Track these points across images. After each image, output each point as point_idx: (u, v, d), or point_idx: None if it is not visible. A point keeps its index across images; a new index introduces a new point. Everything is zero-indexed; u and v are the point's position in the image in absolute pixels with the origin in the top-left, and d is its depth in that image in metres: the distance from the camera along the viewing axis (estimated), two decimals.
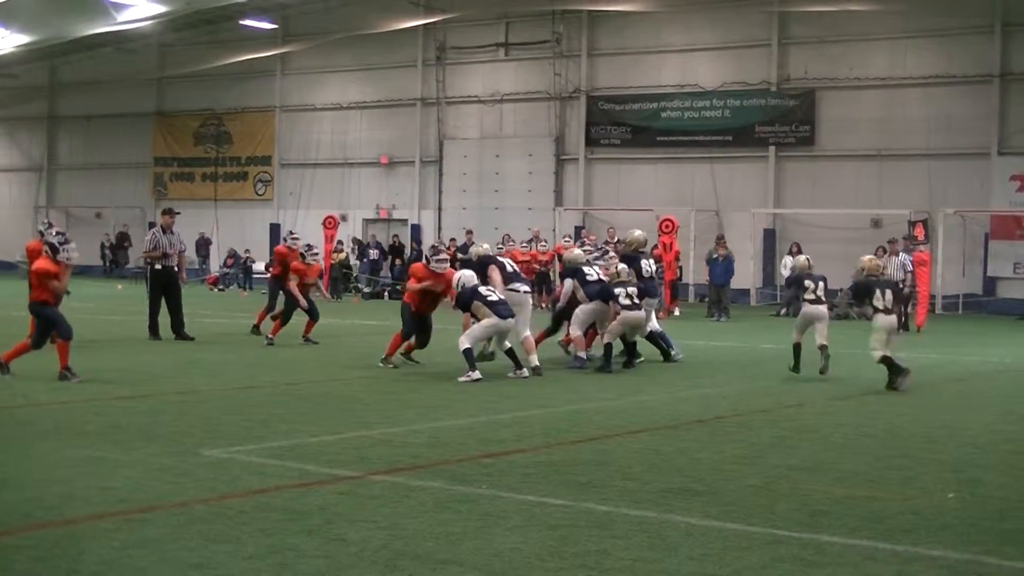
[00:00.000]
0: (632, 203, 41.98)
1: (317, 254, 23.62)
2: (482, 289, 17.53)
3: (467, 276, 17.90)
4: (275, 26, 49.27)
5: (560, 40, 44.73)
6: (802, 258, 19.56)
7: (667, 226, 35.22)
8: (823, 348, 17.59)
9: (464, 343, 16.90)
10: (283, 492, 8.89)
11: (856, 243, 36.84)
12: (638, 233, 20.48)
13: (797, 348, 17.95)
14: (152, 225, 29.70)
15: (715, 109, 42.20)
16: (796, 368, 17.83)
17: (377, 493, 8.92)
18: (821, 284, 18.07)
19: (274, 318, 22.10)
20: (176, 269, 22.67)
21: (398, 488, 9.10)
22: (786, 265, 36.48)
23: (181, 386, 15.38)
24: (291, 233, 25.12)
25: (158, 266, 22.42)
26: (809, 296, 17.98)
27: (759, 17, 41.11)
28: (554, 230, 42.26)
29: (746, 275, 37.71)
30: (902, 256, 29.63)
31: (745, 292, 38.24)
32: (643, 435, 12.11)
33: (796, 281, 18.61)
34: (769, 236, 40.75)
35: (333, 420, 12.58)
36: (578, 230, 41.37)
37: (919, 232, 34.59)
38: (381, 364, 18.19)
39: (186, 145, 54.62)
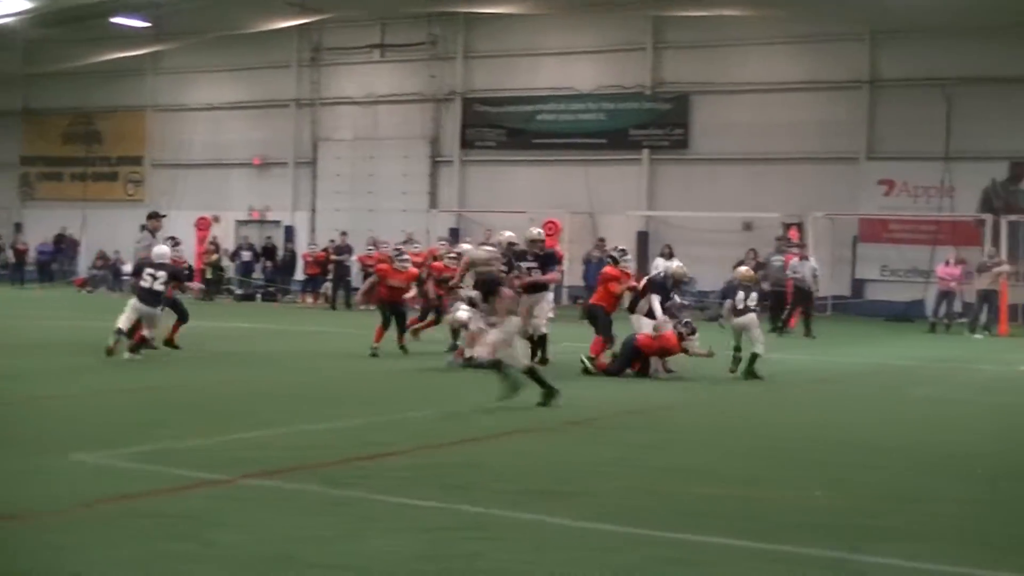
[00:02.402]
0: (507, 205, 42.03)
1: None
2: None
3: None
4: (147, 24, 48.45)
5: (436, 42, 44.70)
6: (742, 269, 20.35)
7: (550, 229, 35.40)
8: (755, 357, 18.29)
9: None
10: (154, 497, 8.75)
11: (728, 246, 37.35)
12: (507, 234, 20.49)
13: (737, 351, 18.80)
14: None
15: (590, 112, 42.46)
16: (735, 369, 18.67)
17: (249, 497, 8.82)
18: (754, 295, 18.88)
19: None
20: None
21: (271, 492, 9.01)
22: (657, 267, 36.75)
23: (50, 390, 15.07)
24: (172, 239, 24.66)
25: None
26: (739, 306, 18.72)
27: (635, 21, 41.41)
28: (428, 232, 42.16)
29: None
30: (812, 261, 29.94)
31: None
32: (517, 437, 12.13)
33: (727, 292, 19.82)
34: (643, 238, 41.04)
35: (206, 423, 12.41)
36: (454, 232, 41.38)
37: (793, 235, 35.11)
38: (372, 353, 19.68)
39: (55, 144, 53.62)
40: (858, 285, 38.23)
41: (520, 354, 14.78)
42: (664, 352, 18.15)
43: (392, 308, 21.12)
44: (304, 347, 21.44)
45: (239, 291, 42.46)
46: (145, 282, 19.64)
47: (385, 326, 20.68)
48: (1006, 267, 31.47)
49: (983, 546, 7.93)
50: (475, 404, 14.68)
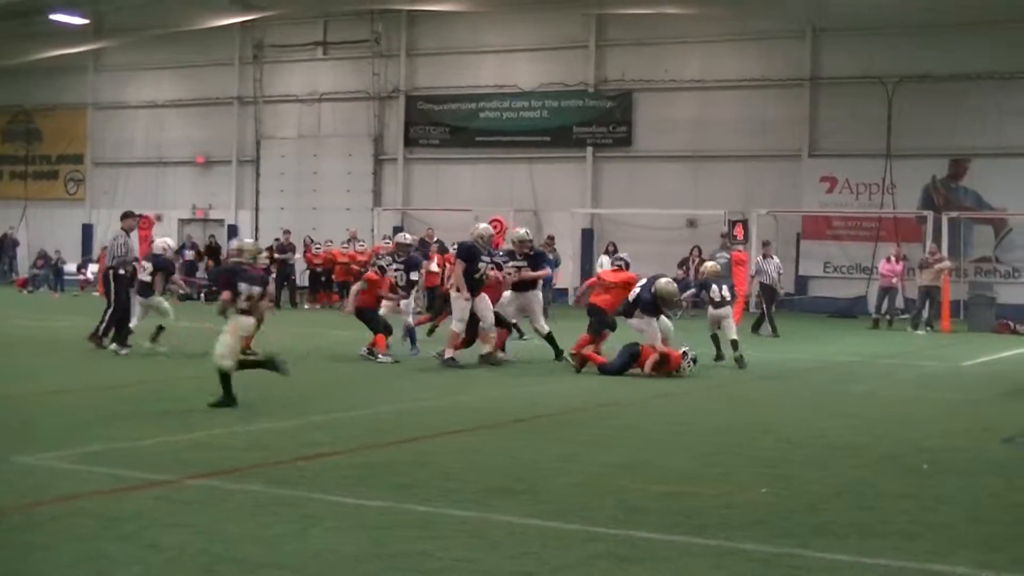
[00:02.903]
0: (451, 203, 42.03)
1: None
2: None
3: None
4: (87, 21, 48.06)
5: (379, 39, 44.57)
6: (709, 264, 21.44)
7: (495, 226, 35.40)
8: (735, 343, 19.93)
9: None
10: (97, 498, 8.67)
11: (672, 243, 37.54)
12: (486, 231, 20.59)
13: (715, 338, 20.52)
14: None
15: (533, 110, 42.48)
16: (719, 357, 20.28)
17: (194, 497, 8.76)
18: (725, 287, 20.54)
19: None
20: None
21: (215, 492, 8.95)
22: (602, 264, 36.83)
23: None
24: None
25: (122, 271, 21.15)
26: (716, 299, 20.28)
27: (577, 19, 41.49)
28: (373, 230, 42.10)
29: (565, 274, 37.98)
30: (776, 259, 29.94)
31: (563, 292, 38.47)
32: (463, 435, 12.12)
33: (703, 285, 20.88)
34: (587, 236, 41.15)
35: (148, 424, 12.31)
36: (397, 230, 41.29)
37: (738, 232, 35.24)
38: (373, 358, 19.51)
39: None
40: (801, 281, 38.44)
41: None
42: (660, 366, 18.12)
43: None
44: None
45: (182, 291, 42.05)
46: (140, 274, 20.49)
47: (388, 332, 20.24)
48: (947, 263, 31.72)
49: (929, 541, 7.98)
50: (421, 402, 14.66)
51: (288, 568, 6.96)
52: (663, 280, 18.93)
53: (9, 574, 6.74)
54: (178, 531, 7.70)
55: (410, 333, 20.60)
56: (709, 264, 21.28)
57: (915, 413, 14.90)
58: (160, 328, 20.55)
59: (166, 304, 20.84)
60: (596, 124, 41.53)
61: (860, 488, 9.67)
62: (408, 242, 22.37)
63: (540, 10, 41.86)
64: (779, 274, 29.79)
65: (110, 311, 20.83)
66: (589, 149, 41.60)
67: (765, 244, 31.11)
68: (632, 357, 18.24)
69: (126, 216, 22.66)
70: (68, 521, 7.93)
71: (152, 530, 7.71)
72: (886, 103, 37.36)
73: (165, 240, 22.07)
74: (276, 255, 38.17)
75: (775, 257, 30.15)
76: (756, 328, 28.00)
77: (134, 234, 22.69)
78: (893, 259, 32.52)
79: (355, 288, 20.81)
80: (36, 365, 18.15)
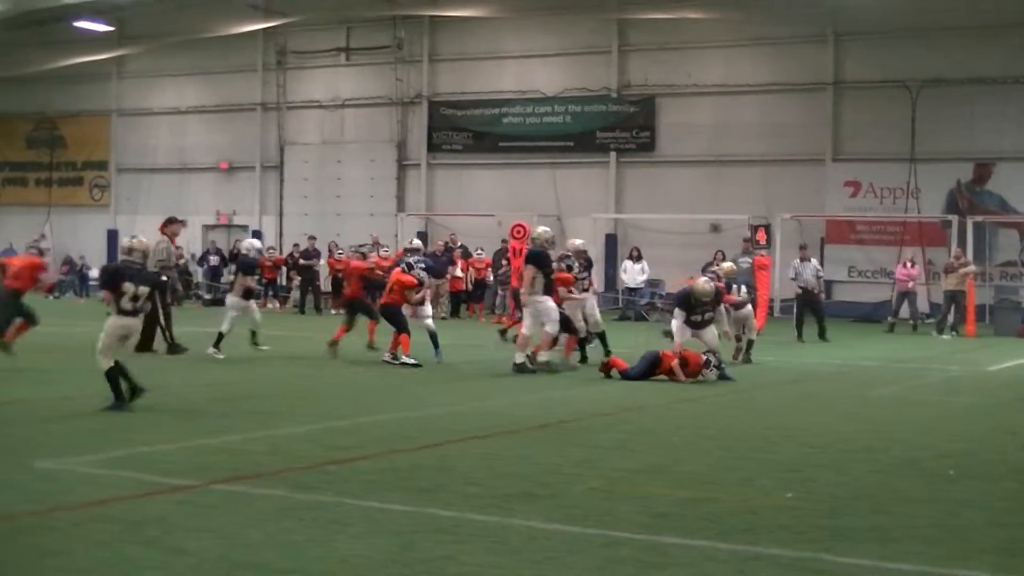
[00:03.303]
0: (474, 208, 42.07)
1: None
2: None
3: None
4: (110, 28, 48.28)
5: (401, 45, 44.63)
6: (727, 264, 21.44)
7: (518, 232, 35.36)
8: (751, 343, 21.14)
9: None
10: (119, 503, 8.70)
11: (695, 247, 37.42)
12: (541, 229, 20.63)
13: (738, 339, 21.11)
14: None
15: (556, 115, 42.49)
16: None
17: (217, 502, 8.78)
18: (744, 288, 21.41)
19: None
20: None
21: (238, 497, 8.98)
22: (626, 270, 36.85)
23: (8, 395, 15.00)
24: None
25: (164, 277, 21.35)
26: (739, 300, 21.03)
27: (599, 24, 41.50)
28: (396, 236, 42.12)
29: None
30: (813, 262, 29.69)
31: None
32: (486, 440, 12.12)
33: (728, 287, 21.04)
34: (610, 241, 41.12)
35: (172, 428, 12.36)
36: (421, 236, 41.33)
37: (760, 236, 35.12)
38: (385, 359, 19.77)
39: (18, 149, 53.29)
40: (826, 286, 38.26)
41: None
42: (682, 367, 18.08)
43: (360, 307, 21.15)
44: (272, 351, 21.33)
45: (207, 296, 42.24)
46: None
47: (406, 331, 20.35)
48: (972, 268, 31.58)
49: (950, 545, 7.95)
50: (444, 407, 14.68)
51: (312, 574, 6.98)
52: (702, 279, 19.05)
53: None
54: (201, 536, 7.72)
55: (433, 338, 20.59)
56: (726, 265, 21.20)
57: (938, 417, 14.86)
58: (252, 333, 21.12)
59: (234, 313, 20.86)
60: (619, 129, 41.52)
61: (881, 493, 9.65)
62: (415, 247, 22.40)
63: (562, 15, 41.85)
64: (818, 277, 29.42)
65: (162, 317, 20.97)
66: (612, 154, 41.59)
67: (802, 248, 30.72)
68: (653, 363, 18.22)
69: (170, 222, 22.74)
70: (90, 526, 7.95)
71: (175, 535, 7.73)
72: (910, 107, 37.27)
73: (252, 241, 22.15)
74: (301, 261, 38.25)
75: (813, 260, 29.82)
76: (819, 336, 27.84)
77: (177, 239, 22.79)
78: (908, 264, 32.44)
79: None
80: (59, 370, 18.21)
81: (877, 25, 37.60)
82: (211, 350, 20.28)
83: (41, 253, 22.30)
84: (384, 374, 18.78)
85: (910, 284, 32.01)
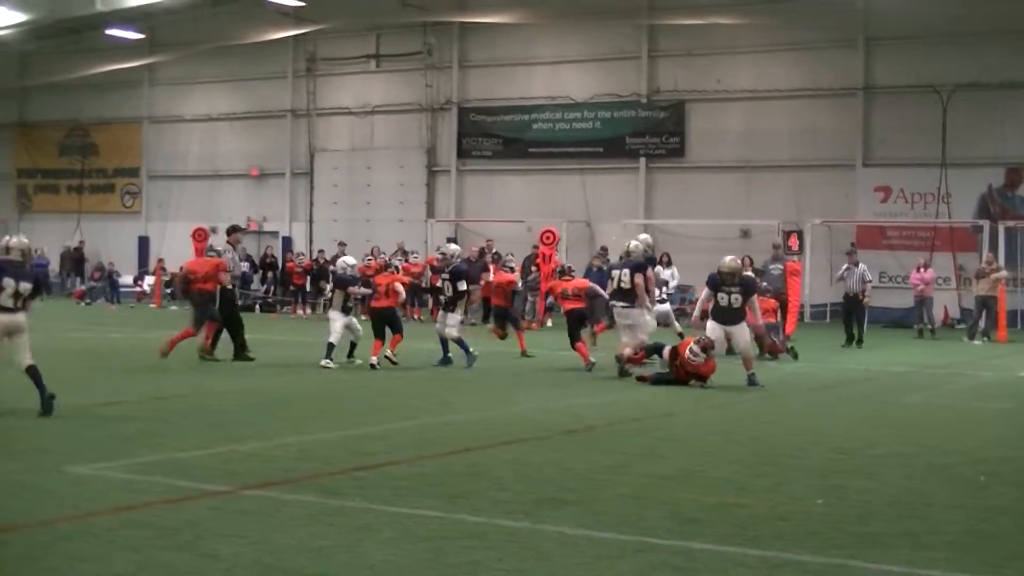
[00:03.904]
0: (504, 214, 42.10)
1: None
2: None
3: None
4: (142, 36, 48.58)
5: (431, 51, 44.72)
6: (728, 259, 20.99)
7: (548, 238, 35.41)
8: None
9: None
10: (151, 508, 8.75)
11: (725, 253, 36.77)
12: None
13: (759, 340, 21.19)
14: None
15: (586, 121, 42.50)
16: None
17: (248, 508, 8.82)
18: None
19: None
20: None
21: (269, 502, 9.01)
22: (658, 275, 36.73)
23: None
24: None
25: (230, 285, 21.61)
26: None
27: (629, 30, 41.49)
28: (426, 242, 42.20)
29: None
30: (861, 268, 29.46)
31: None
32: (514, 446, 12.13)
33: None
34: None
35: (202, 434, 12.41)
36: (450, 241, 41.35)
37: (793, 242, 35.00)
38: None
39: (50, 156, 53.66)
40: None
41: None
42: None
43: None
44: (302, 358, 21.41)
45: (238, 302, 42.27)
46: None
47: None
48: (1004, 273, 31.41)
49: (981, 552, 7.94)
50: (472, 413, 14.70)
51: None
52: (728, 257, 19.11)
53: None
54: (232, 541, 7.75)
55: (461, 344, 20.65)
56: (727, 259, 20.67)
57: (968, 423, 14.80)
58: (352, 345, 21.26)
59: (339, 323, 20.99)
60: (649, 135, 41.50)
61: (912, 498, 9.63)
62: (452, 252, 22.37)
63: (591, 21, 41.86)
64: (866, 283, 29.14)
65: (230, 325, 21.18)
66: (642, 160, 41.56)
67: (849, 253, 30.39)
68: (672, 355, 18.30)
69: (234, 230, 22.82)
70: (122, 531, 7.99)
71: (206, 540, 7.77)
72: (941, 112, 37.13)
73: (347, 259, 22.25)
74: (331, 267, 38.26)
75: (861, 266, 29.48)
76: (855, 342, 27.81)
77: (240, 247, 22.87)
78: (922, 268, 32.35)
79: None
80: (90, 376, 18.30)
81: (908, 30, 37.50)
82: (324, 361, 20.35)
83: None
84: (412, 379, 18.83)
85: (920, 288, 31.91)
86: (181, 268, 21.38)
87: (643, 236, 20.69)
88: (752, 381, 18.14)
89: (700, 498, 9.42)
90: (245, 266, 43.47)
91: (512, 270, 27.42)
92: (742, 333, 18.60)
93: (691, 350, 18.00)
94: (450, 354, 20.79)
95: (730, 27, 38.89)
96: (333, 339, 20.57)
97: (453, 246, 22.91)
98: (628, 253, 20.21)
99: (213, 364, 20.56)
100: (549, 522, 8.45)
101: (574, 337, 20.75)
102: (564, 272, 22.56)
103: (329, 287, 21.23)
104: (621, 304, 19.38)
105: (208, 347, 21.00)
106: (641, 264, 19.56)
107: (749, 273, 19.72)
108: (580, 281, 22.51)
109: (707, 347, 18.03)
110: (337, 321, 20.81)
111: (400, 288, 21.03)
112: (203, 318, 20.90)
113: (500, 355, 22.04)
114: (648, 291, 19.65)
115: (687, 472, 10.67)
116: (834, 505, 9.26)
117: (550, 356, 22.00)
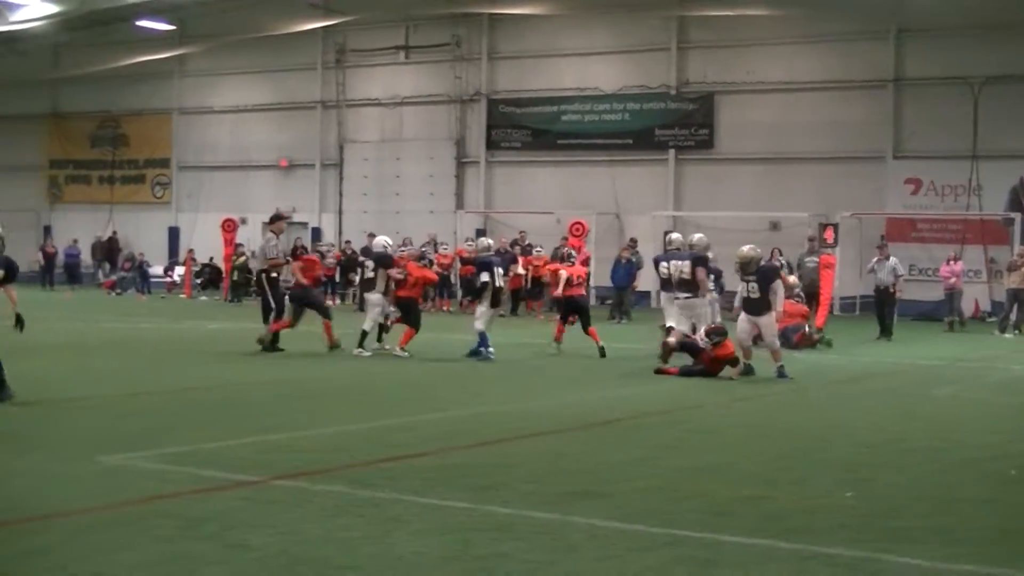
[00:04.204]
0: (533, 206, 42.09)
1: None
2: None
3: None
4: (172, 27, 48.73)
5: (460, 43, 44.73)
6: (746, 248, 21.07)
7: (577, 229, 35.40)
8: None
9: None
10: (182, 498, 8.79)
11: (755, 246, 37.12)
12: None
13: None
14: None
15: (615, 112, 42.42)
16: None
17: (277, 498, 8.85)
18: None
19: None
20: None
21: (298, 493, 9.04)
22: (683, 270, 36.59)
23: (73, 392, 15.17)
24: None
25: (275, 274, 21.48)
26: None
27: (658, 21, 41.40)
28: (455, 233, 42.25)
29: (647, 278, 37.81)
30: (892, 261, 29.27)
31: (647, 295, 38.35)
32: (544, 438, 12.13)
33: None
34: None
35: (232, 425, 12.45)
36: (480, 233, 41.45)
37: (828, 235, 34.83)
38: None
39: (82, 147, 53.89)
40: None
41: None
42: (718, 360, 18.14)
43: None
44: (336, 349, 21.42)
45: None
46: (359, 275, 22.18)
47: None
48: None
49: (1011, 546, 7.91)
50: (501, 405, 14.71)
51: (370, 570, 7.02)
52: (746, 246, 19.18)
53: (95, 573, 6.84)
54: (261, 532, 7.78)
55: (483, 338, 20.50)
56: (743, 248, 20.55)
57: (999, 417, 14.74)
58: (384, 328, 21.49)
59: (386, 306, 21.15)
60: (678, 127, 41.42)
61: (941, 493, 9.60)
62: (482, 246, 22.31)
63: (621, 12, 41.77)
64: (897, 276, 28.94)
65: (272, 314, 21.12)
66: (671, 151, 41.48)
67: (880, 247, 30.24)
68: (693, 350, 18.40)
69: (277, 219, 22.76)
70: (153, 521, 8.03)
71: (236, 531, 7.80)
72: (972, 104, 36.95)
73: (383, 238, 22.34)
74: (361, 258, 38.27)
75: (891, 259, 29.24)
76: (886, 335, 27.75)
77: (283, 236, 22.85)
78: (952, 261, 32.19)
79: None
80: (120, 367, 18.37)
81: (939, 21, 37.30)
82: (357, 350, 20.43)
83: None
84: (440, 372, 18.85)
85: (952, 281, 31.76)
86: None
87: (699, 236, 20.64)
88: (781, 373, 18.11)
89: (729, 491, 9.40)
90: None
91: (570, 258, 27.60)
92: (767, 324, 18.55)
93: (700, 336, 18.13)
94: (491, 349, 20.44)
95: (760, 18, 38.74)
96: (367, 326, 20.64)
97: (485, 239, 22.84)
98: (691, 245, 20.43)
99: (247, 355, 20.57)
100: (578, 514, 8.45)
101: (586, 323, 21.48)
102: (564, 258, 22.88)
103: (371, 266, 21.09)
104: (685, 295, 19.52)
105: (269, 338, 20.93)
106: (703, 257, 19.87)
107: (773, 262, 19.68)
108: (580, 268, 23.06)
109: (711, 333, 18.18)
110: (377, 307, 20.86)
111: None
112: (316, 306, 21.54)
113: (526, 347, 22.05)
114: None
115: (716, 465, 10.66)
116: (863, 499, 9.24)
117: (577, 348, 21.92)
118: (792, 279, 21.66)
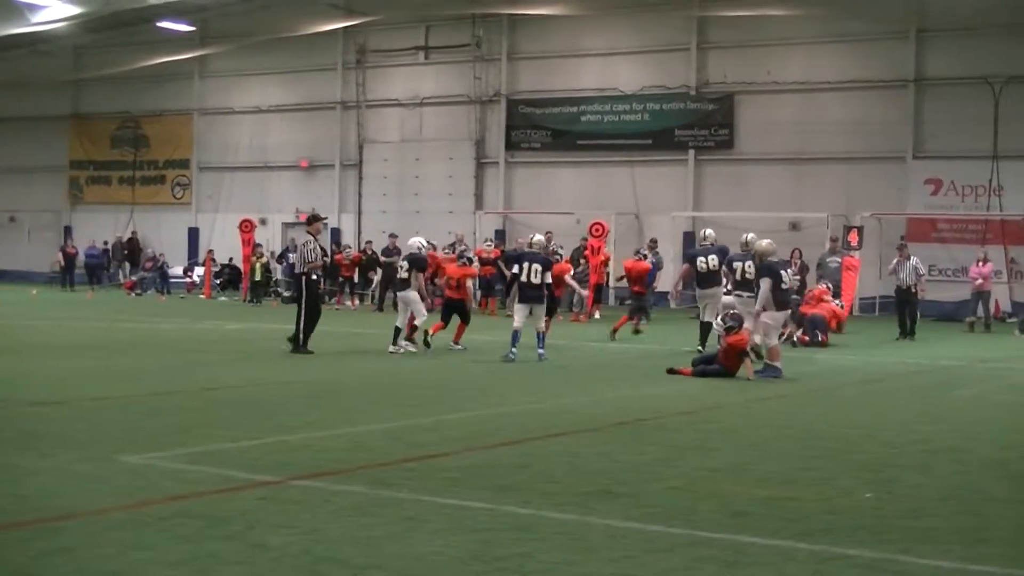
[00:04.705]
0: (553, 206, 42.10)
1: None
2: None
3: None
4: (193, 28, 48.87)
5: (480, 43, 44.76)
6: (765, 242, 20.79)
7: (597, 230, 35.36)
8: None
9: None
10: (203, 498, 8.80)
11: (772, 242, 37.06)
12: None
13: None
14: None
15: (635, 113, 42.40)
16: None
17: (298, 498, 8.85)
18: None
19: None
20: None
21: (319, 493, 9.04)
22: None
23: (96, 392, 15.20)
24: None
25: (314, 276, 21.41)
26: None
27: (678, 21, 41.38)
28: (475, 233, 42.27)
29: (666, 278, 37.79)
30: (912, 261, 29.20)
31: (666, 295, 38.29)
32: (564, 438, 12.12)
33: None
34: (689, 239, 40.87)
35: (253, 425, 12.46)
36: (499, 234, 41.47)
37: (853, 237, 34.78)
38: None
39: (103, 148, 54.06)
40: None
41: None
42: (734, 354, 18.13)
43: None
44: (352, 348, 21.48)
45: (286, 293, 42.52)
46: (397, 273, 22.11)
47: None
48: None
49: None
50: (522, 405, 14.70)
51: (391, 570, 7.01)
52: (766, 241, 19.33)
53: (112, 573, 6.84)
54: (282, 532, 7.78)
55: (514, 336, 20.53)
56: (764, 243, 20.39)
57: (1022, 418, 14.67)
58: (414, 327, 21.58)
59: (421, 305, 21.32)
60: (698, 127, 41.38)
61: (965, 494, 9.56)
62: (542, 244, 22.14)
63: (641, 13, 41.78)
64: (919, 276, 28.83)
65: (303, 316, 20.99)
66: (691, 152, 41.46)
67: (900, 247, 30.12)
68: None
69: (314, 219, 22.68)
70: (173, 520, 8.04)
71: (257, 530, 7.80)
72: (993, 104, 36.84)
73: (419, 239, 22.41)
74: (382, 258, 38.35)
75: (912, 259, 29.11)
76: (907, 334, 27.64)
77: (321, 237, 22.82)
78: (980, 263, 32.07)
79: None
80: (141, 367, 18.40)
81: (959, 21, 37.23)
82: (392, 348, 20.54)
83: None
84: (461, 371, 18.86)
85: (979, 282, 31.65)
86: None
87: (766, 242, 20.30)
88: (765, 372, 18.13)
89: (750, 491, 9.38)
90: (293, 256, 43.70)
91: (645, 257, 27.91)
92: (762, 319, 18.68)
93: (715, 324, 18.59)
94: (514, 350, 20.22)
95: (780, 18, 38.65)
96: (399, 322, 20.84)
97: (539, 236, 22.29)
98: (746, 244, 20.36)
99: (264, 355, 20.61)
100: (598, 515, 8.44)
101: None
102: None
103: (405, 266, 21.17)
104: (747, 294, 19.46)
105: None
106: (771, 268, 19.48)
107: (776, 259, 19.46)
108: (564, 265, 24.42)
109: (726, 318, 18.50)
110: (418, 303, 20.96)
111: (469, 284, 21.36)
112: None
113: (549, 348, 22.03)
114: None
115: (737, 465, 10.63)
116: (885, 500, 9.21)
117: (599, 348, 21.94)
118: (793, 281, 21.37)
